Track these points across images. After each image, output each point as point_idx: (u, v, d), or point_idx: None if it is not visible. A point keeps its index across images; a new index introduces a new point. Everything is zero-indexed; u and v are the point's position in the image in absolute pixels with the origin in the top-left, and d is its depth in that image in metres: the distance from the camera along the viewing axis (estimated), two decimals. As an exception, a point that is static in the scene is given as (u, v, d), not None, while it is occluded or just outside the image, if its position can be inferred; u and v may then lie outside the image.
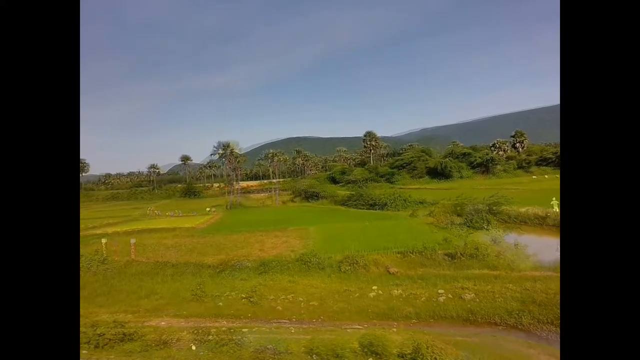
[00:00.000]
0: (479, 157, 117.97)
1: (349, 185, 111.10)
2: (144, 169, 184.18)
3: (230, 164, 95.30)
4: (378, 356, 15.15)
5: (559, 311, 18.64)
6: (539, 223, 43.28)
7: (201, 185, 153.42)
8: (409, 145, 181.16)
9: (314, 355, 15.22)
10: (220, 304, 24.38)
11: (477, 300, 22.61)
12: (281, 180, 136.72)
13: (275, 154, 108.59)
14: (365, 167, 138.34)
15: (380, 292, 24.75)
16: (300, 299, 24.53)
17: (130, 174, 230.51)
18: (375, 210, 64.75)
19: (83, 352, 14.58)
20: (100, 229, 57.42)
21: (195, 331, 18.90)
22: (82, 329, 15.86)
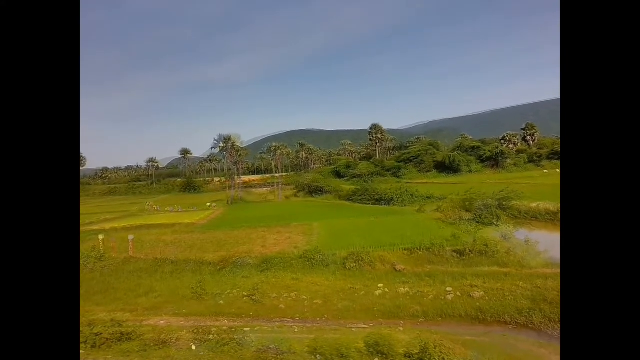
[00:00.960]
0: (489, 151, 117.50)
1: (354, 179, 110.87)
2: (142, 162, 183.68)
3: (231, 157, 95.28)
4: (384, 356, 15.14)
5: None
6: (550, 219, 43.09)
7: (201, 179, 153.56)
8: (416, 138, 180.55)
9: (317, 355, 15.22)
10: (221, 302, 24.44)
11: (487, 298, 22.57)
12: (284, 174, 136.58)
13: (278, 148, 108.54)
14: (371, 160, 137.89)
15: (386, 290, 24.75)
16: (304, 297, 24.55)
17: (128, 168, 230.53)
18: (381, 205, 64.70)
19: (80, 352, 14.61)
20: (97, 225, 57.54)
21: (196, 330, 18.94)
22: (79, 327, 15.91)
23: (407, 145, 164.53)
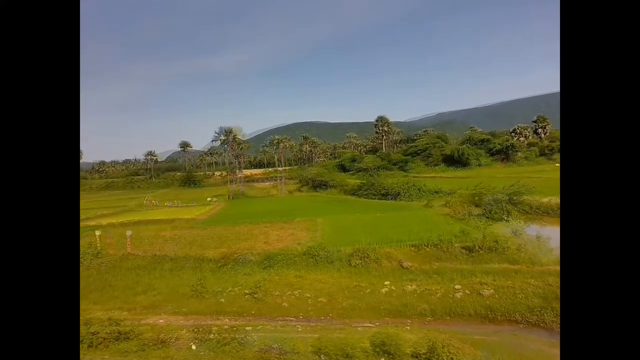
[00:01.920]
0: (499, 144, 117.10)
1: (359, 173, 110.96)
2: (140, 156, 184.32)
3: (232, 150, 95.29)
4: (391, 356, 15.13)
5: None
6: (563, 214, 42.89)
7: (202, 173, 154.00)
8: (424, 131, 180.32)
9: (322, 355, 15.23)
10: (222, 300, 24.48)
11: (497, 296, 22.52)
12: (287, 168, 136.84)
13: (281, 141, 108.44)
14: (377, 154, 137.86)
15: (393, 287, 24.73)
16: (308, 295, 24.56)
17: (126, 162, 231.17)
18: (388, 200, 64.56)
19: (77, 351, 14.65)
20: (94, 220, 57.60)
21: (196, 329, 18.99)
22: (75, 326, 15.94)
23: (415, 138, 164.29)
